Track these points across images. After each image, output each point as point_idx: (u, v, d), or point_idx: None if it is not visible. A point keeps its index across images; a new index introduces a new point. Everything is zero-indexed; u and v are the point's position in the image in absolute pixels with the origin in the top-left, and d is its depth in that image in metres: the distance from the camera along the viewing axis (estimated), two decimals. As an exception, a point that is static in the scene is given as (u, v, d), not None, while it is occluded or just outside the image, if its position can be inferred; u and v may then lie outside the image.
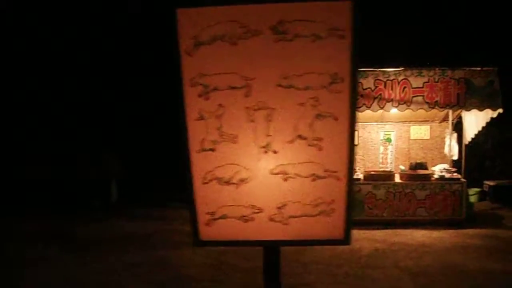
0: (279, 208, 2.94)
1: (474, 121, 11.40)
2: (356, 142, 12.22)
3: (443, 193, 10.67)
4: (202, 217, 3.03)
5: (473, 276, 7.37)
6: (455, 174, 11.04)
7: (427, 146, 12.61)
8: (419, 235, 9.94)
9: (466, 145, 11.99)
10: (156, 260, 8.49)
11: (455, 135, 11.79)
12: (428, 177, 10.92)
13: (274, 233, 2.98)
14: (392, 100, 10.35)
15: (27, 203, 13.70)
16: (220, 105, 2.87)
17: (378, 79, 10.40)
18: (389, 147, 12.42)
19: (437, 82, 10.35)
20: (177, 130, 2.87)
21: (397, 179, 11.09)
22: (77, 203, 13.91)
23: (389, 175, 11.06)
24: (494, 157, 14.65)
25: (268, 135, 2.87)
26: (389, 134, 12.41)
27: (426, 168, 11.63)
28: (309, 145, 2.84)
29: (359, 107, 10.32)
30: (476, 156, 14.64)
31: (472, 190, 13.66)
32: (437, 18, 15.31)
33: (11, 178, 14.43)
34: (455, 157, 11.69)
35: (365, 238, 9.70)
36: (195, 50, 2.83)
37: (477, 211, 12.37)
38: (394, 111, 10.64)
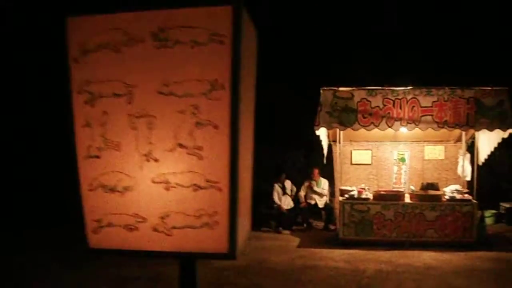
0: (162, 218, 2.90)
1: (487, 141, 11.23)
2: (369, 162, 12.39)
3: (453, 214, 10.49)
4: (90, 224, 3.02)
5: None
6: (466, 195, 10.85)
7: (441, 167, 12.47)
8: (427, 257, 9.76)
9: (479, 166, 11.79)
10: (152, 275, 8.50)
11: (468, 155, 11.62)
12: (438, 198, 10.76)
13: (159, 244, 2.93)
14: (400, 119, 10.26)
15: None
16: (104, 112, 2.90)
17: (386, 98, 10.33)
18: (403, 167, 12.30)
19: (447, 101, 10.24)
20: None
21: (407, 199, 10.94)
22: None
23: (398, 195, 10.92)
24: (511, 178, 14.36)
25: (150, 143, 2.86)
26: (403, 154, 12.30)
27: (437, 189, 11.45)
28: (189, 154, 2.81)
29: (367, 126, 10.29)
30: (493, 178, 14.41)
31: (488, 212, 13.43)
32: (448, 36, 15.19)
33: None
34: (468, 178, 11.51)
35: (371, 259, 9.58)
36: (83, 57, 2.88)
37: (491, 233, 12.10)
38: (403, 130, 10.54)
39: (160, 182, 2.87)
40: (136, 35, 2.80)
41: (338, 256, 9.81)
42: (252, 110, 3.23)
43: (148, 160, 2.87)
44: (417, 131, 10.64)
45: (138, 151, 2.88)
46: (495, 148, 11.23)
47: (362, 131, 10.65)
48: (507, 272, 8.88)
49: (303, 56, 15.63)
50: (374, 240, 10.57)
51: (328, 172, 12.32)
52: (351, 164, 12.58)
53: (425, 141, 12.34)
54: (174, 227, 2.90)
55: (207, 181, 2.81)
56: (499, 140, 10.82)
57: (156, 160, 2.86)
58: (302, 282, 8.16)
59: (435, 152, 12.48)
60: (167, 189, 2.87)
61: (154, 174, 2.87)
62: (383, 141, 12.29)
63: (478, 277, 8.49)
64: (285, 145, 14.70)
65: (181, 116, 2.80)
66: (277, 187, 12.63)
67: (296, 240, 11.29)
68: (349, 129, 10.50)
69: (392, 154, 12.38)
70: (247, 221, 3.26)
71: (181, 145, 2.82)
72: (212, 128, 2.77)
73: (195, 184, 2.83)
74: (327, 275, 8.54)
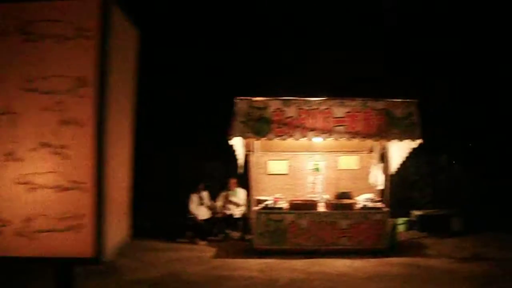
0: (25, 221, 2.75)
1: (398, 151, 11.57)
2: (286, 172, 12.48)
3: (366, 222, 10.74)
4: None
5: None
6: (378, 203, 11.16)
7: (356, 176, 12.73)
8: (340, 264, 9.92)
9: (392, 175, 12.14)
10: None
11: (380, 165, 11.95)
12: (351, 206, 11.00)
13: (23, 249, 2.77)
14: (314, 129, 10.41)
15: None
16: None
17: (301, 108, 10.46)
18: (318, 176, 12.46)
19: (359, 112, 10.50)
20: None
21: (322, 208, 11.10)
22: None
23: (313, 204, 11.05)
24: (423, 187, 14.87)
25: (13, 142, 2.72)
26: (318, 164, 12.46)
27: (350, 198, 11.72)
28: (53, 153, 2.70)
29: (282, 136, 10.39)
30: (405, 187, 14.87)
31: (401, 220, 13.84)
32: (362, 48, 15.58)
33: None
34: (381, 187, 11.81)
35: (285, 268, 9.64)
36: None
37: (403, 240, 12.50)
38: (317, 140, 10.72)
39: (23, 183, 2.72)
40: (2, 28, 2.66)
41: (253, 266, 9.80)
42: (129, 110, 3.13)
43: (10, 160, 2.71)
44: (332, 141, 10.84)
45: (0, 150, 2.72)
46: (407, 158, 11.59)
47: (279, 141, 10.73)
48: (416, 276, 9.18)
49: (222, 65, 15.62)
50: (289, 249, 10.65)
51: (246, 182, 12.34)
52: (268, 174, 12.63)
53: (340, 151, 12.57)
54: (38, 231, 2.74)
55: (73, 181, 2.69)
56: (409, 150, 11.19)
57: (18, 160, 2.71)
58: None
59: (349, 162, 12.75)
60: (30, 190, 2.71)
61: (17, 175, 2.72)
62: (299, 151, 12.41)
63: (389, 282, 8.75)
64: (204, 155, 14.62)
65: (46, 113, 2.68)
66: (194, 197, 12.52)
67: (212, 251, 11.22)
68: (265, 139, 10.55)
69: (308, 164, 12.52)
70: (123, 224, 3.12)
71: (45, 144, 2.69)
72: (78, 127, 2.66)
73: (59, 185, 2.69)
74: (241, 285, 8.52)
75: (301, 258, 10.32)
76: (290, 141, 10.71)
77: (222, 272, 9.37)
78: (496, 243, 12.00)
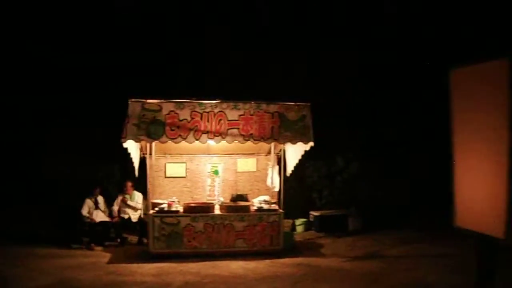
0: None
1: (293, 154, 11.76)
2: (184, 174, 12.40)
3: (261, 224, 10.83)
4: None
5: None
6: (273, 205, 11.29)
7: (254, 178, 12.84)
8: (235, 266, 9.96)
9: (291, 177, 12.34)
10: None
11: (276, 167, 12.11)
12: (247, 208, 11.07)
13: None
14: (208, 132, 10.39)
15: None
16: None
17: (194, 111, 10.40)
18: (217, 179, 12.46)
19: (252, 115, 10.57)
20: None
21: (218, 211, 11.10)
22: None
23: (208, 207, 11.02)
24: (321, 189, 15.18)
25: None
26: (216, 167, 12.47)
27: (246, 200, 11.80)
28: None
29: (175, 138, 10.31)
30: (304, 188, 15.14)
31: (299, 221, 14.11)
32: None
33: None
34: (277, 189, 11.96)
35: (180, 272, 9.56)
36: None
37: (301, 240, 12.76)
38: (211, 142, 10.70)
39: None
40: None
41: (147, 270, 9.65)
42: None
43: None
44: (230, 144, 10.81)
45: None
46: (305, 160, 11.79)
47: (177, 143, 10.61)
48: (308, 276, 9.40)
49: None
50: (185, 252, 10.56)
51: (144, 186, 12.13)
52: (165, 177, 12.48)
53: (238, 153, 12.63)
54: None
55: None
56: (303, 153, 11.38)
57: None
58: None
59: (247, 164, 12.82)
60: None
61: None
62: (197, 154, 12.34)
63: (281, 282, 8.90)
64: (100, 159, 14.29)
65: None
66: (88, 201, 12.16)
67: (107, 256, 10.93)
68: (161, 142, 10.41)
69: (206, 166, 12.49)
70: None
71: None
72: None
73: None
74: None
75: (197, 261, 10.29)
76: (188, 144, 10.59)
77: (115, 278, 9.17)
78: (389, 241, 12.46)
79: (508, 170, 2.64)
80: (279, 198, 11.54)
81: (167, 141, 10.35)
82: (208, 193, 12.39)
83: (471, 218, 3.08)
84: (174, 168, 12.54)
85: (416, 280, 9.02)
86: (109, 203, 12.57)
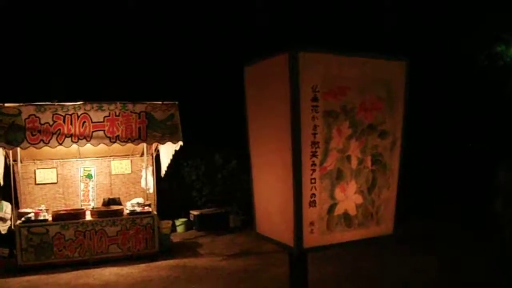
0: None
1: (167, 154, 11.60)
2: (55, 180, 11.86)
3: (135, 228, 10.58)
4: None
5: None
6: (147, 207, 11.05)
7: (129, 180, 12.57)
8: (108, 273, 9.69)
9: (163, 178, 12.16)
10: None
11: (150, 168, 11.90)
12: (119, 212, 10.76)
13: None
14: (71, 135, 9.98)
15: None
16: None
17: (56, 114, 9.96)
18: (90, 183, 12.06)
19: (118, 116, 10.27)
20: None
21: (89, 216, 10.71)
22: None
23: (78, 214, 10.59)
24: (201, 187, 15.07)
25: None
26: (90, 170, 12.07)
27: (119, 204, 11.49)
28: None
29: (37, 144, 9.83)
30: (184, 187, 14.99)
31: (179, 221, 13.98)
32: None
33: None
34: (151, 190, 11.75)
35: (49, 284, 9.17)
36: None
37: (179, 241, 12.64)
38: (75, 146, 10.28)
39: None
40: None
41: (15, 285, 9.16)
42: None
43: None
44: (103, 146, 10.42)
45: None
46: (184, 159, 11.64)
47: (46, 148, 10.06)
48: (181, 277, 9.34)
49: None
50: (57, 262, 10.13)
51: (14, 194, 11.47)
52: (36, 184, 11.89)
53: (111, 155, 12.27)
54: None
55: None
56: (173, 152, 11.23)
57: None
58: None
59: (121, 166, 12.50)
60: None
61: None
62: (68, 158, 11.89)
63: (153, 287, 8.81)
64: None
65: None
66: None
67: (-28, 272, 10.30)
68: (22, 148, 9.88)
69: (79, 170, 12.06)
70: None
71: None
72: None
73: None
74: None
75: (69, 271, 9.92)
76: (57, 148, 10.12)
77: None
78: (267, 236, 12.54)
79: (293, 176, 2.60)
80: (159, 200, 11.36)
81: (28, 147, 9.84)
82: (82, 198, 11.97)
83: (268, 225, 3.03)
84: (45, 174, 11.93)
85: (287, 274, 9.11)
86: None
